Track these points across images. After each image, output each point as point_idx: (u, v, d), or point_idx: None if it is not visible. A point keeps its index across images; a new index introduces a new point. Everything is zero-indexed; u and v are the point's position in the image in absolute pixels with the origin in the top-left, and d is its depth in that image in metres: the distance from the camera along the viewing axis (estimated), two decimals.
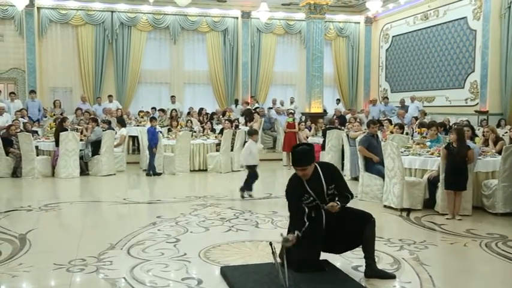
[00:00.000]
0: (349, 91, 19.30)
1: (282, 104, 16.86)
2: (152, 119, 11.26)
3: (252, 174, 8.06)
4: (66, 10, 16.41)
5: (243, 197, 7.91)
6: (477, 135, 9.12)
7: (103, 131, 10.56)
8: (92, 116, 12.00)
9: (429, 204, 7.01)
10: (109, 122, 11.69)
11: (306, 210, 4.18)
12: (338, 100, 18.59)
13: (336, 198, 4.16)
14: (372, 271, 4.20)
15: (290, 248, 4.04)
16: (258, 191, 9.38)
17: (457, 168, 6.43)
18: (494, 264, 4.83)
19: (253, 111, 15.07)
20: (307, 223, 4.12)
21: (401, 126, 10.31)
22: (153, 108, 15.16)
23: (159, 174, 10.49)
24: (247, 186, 8.01)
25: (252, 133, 8.54)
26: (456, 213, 6.48)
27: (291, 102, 16.95)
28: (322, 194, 4.15)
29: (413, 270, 4.47)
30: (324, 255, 4.36)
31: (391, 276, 4.23)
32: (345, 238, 4.25)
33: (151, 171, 10.41)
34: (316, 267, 4.22)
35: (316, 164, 4.20)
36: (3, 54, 16.01)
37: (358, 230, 4.16)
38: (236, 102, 17.22)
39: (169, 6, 16.72)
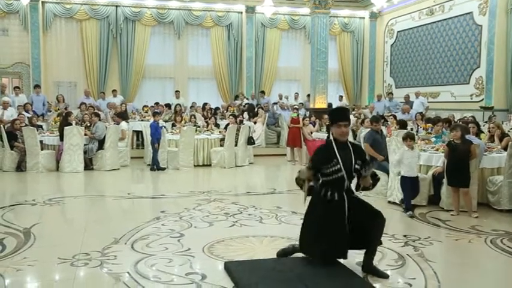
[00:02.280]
0: (353, 86, 19.24)
1: (287, 98, 16.81)
2: (155, 114, 11.24)
3: (405, 187, 6.59)
4: (70, 4, 16.43)
5: (411, 216, 6.38)
6: (483, 132, 9.06)
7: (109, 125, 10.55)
8: (95, 111, 11.97)
9: (434, 200, 6.98)
10: None
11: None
12: (341, 96, 18.38)
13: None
14: (368, 268, 4.19)
15: (315, 238, 4.07)
16: (262, 186, 9.38)
17: (459, 165, 6.39)
18: (499, 260, 4.81)
19: (243, 107, 15.11)
20: (329, 192, 4.10)
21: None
22: (156, 103, 15.12)
23: (163, 169, 10.49)
24: (406, 203, 6.61)
25: (403, 137, 6.67)
26: (471, 211, 6.42)
27: (295, 98, 16.89)
28: (350, 166, 4.11)
29: (418, 266, 4.45)
30: None
31: (384, 276, 4.15)
32: (360, 229, 4.13)
33: (155, 166, 10.41)
34: (342, 256, 4.13)
35: (348, 141, 4.28)
36: (8, 48, 16.07)
37: (369, 224, 4.10)
38: (236, 97, 17.09)
39: (174, 1, 16.73)
